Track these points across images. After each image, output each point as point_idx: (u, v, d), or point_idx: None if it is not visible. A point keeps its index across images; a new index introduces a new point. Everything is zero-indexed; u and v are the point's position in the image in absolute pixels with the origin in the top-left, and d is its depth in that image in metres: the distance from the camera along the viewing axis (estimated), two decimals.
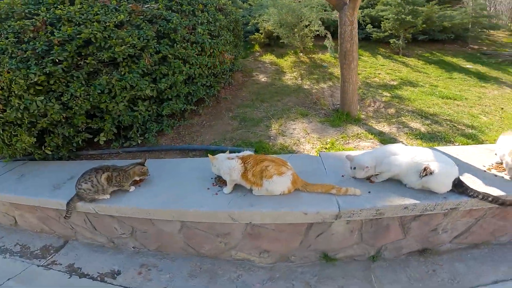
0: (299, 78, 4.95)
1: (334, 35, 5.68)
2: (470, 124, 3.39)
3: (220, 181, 2.01)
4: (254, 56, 6.21)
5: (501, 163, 1.95)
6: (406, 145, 2.43)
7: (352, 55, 3.02)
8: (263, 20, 6.02)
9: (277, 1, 5.31)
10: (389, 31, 6.00)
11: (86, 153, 3.15)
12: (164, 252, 2.17)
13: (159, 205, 1.90)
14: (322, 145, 2.92)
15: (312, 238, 1.87)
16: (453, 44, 6.75)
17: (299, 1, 5.48)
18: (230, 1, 4.72)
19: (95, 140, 2.87)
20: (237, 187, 1.92)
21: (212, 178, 2.07)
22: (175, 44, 3.10)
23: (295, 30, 5.65)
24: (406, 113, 3.65)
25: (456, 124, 3.38)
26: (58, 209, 2.14)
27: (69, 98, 2.53)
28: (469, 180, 1.82)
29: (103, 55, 2.63)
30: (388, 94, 4.29)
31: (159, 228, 2.05)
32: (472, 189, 1.68)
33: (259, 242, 1.94)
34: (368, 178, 1.91)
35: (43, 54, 2.50)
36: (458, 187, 1.70)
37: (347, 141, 2.96)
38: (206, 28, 3.55)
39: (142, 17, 3.07)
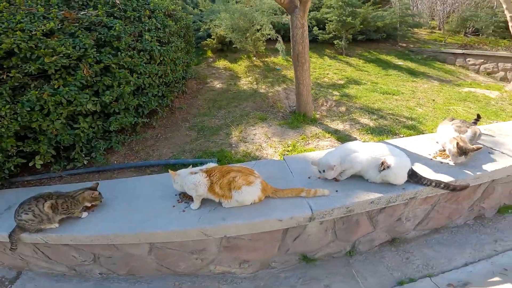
0: (255, 83, 4.92)
1: (285, 38, 5.82)
2: (409, 116, 3.72)
3: (186, 197, 1.83)
4: (207, 62, 6.02)
5: (444, 150, 2.14)
6: (361, 141, 2.54)
7: (304, 57, 3.07)
8: (215, 26, 5.87)
9: (229, 6, 5.22)
10: (333, 33, 6.36)
11: (22, 179, 2.71)
12: (137, 276, 1.93)
13: (120, 229, 1.66)
14: (284, 148, 2.90)
15: (290, 242, 1.82)
16: (386, 43, 7.45)
17: (251, 6, 5.46)
18: (180, 7, 4.49)
19: (30, 164, 2.47)
20: (205, 201, 1.77)
21: (176, 195, 1.88)
22: (119, 53, 2.81)
23: (247, 34, 5.63)
24: (355, 110, 3.86)
25: (398, 117, 3.68)
26: (1, 241, 1.81)
27: None
28: (420, 169, 1.95)
29: (29, 67, 2.25)
30: (338, 93, 4.50)
31: (126, 252, 1.81)
32: (425, 178, 1.80)
33: (237, 253, 1.83)
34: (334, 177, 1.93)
35: None
36: (413, 177, 1.81)
37: (307, 142, 2.99)
38: (155, 34, 3.30)
39: (77, 24, 2.71)
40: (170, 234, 1.64)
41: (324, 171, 1.80)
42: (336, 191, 1.79)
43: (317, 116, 3.70)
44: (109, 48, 2.76)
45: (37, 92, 2.26)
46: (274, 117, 3.67)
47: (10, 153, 2.33)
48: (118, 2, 3.13)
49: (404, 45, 7.41)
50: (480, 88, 4.93)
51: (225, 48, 6.34)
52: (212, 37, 6.18)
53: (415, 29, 8.34)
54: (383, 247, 2.04)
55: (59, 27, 2.59)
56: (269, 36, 5.72)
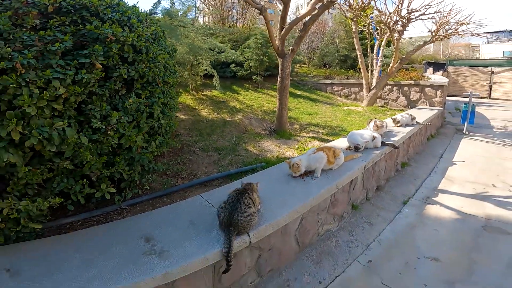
0: (215, 113, 6.20)
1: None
2: (335, 125, 6.31)
3: (302, 176, 3.01)
4: None
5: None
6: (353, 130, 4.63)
7: (287, 88, 4.95)
8: None
9: (183, 40, 6.19)
10: (250, 69, 8.65)
11: (59, 223, 2.51)
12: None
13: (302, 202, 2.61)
14: (295, 150, 4.54)
15: (352, 191, 3.44)
16: None
17: (200, 42, 6.70)
18: None
19: (97, 195, 2.41)
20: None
21: (289, 175, 3.06)
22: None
23: (187, 68, 6.82)
24: (306, 126, 6.07)
25: (331, 127, 6.17)
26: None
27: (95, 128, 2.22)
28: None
29: (130, 71, 2.53)
30: None
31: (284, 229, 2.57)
32: (385, 142, 4.07)
33: (335, 209, 3.15)
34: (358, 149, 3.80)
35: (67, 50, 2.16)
36: (382, 143, 4.04)
37: (306, 144, 4.79)
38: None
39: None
40: (324, 193, 2.79)
41: (362, 147, 3.73)
42: (362, 154, 3.70)
43: (289, 131, 5.58)
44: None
45: (140, 99, 2.58)
46: (264, 135, 5.19)
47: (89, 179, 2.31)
48: None
49: (291, 78, 10.77)
50: (351, 106, 8.58)
51: None
52: None
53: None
54: (376, 192, 4.08)
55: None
56: (205, 71, 7.14)
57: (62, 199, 2.16)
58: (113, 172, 2.55)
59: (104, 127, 2.31)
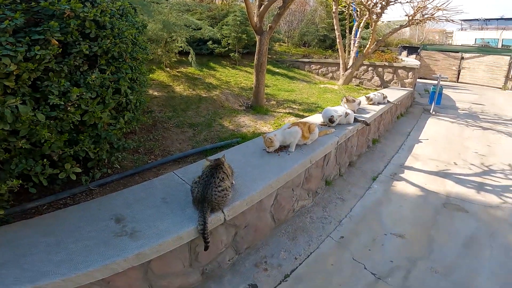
0: (191, 90, 5.96)
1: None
2: (311, 102, 6.31)
3: (277, 150, 2.98)
4: None
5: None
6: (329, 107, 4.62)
7: (265, 65, 4.81)
8: None
9: (156, 17, 5.71)
10: (228, 47, 8.34)
11: (24, 207, 2.37)
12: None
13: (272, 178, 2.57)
14: (272, 125, 4.50)
15: (325, 167, 3.48)
16: None
17: (175, 19, 6.30)
18: None
19: (61, 176, 2.22)
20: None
21: (264, 150, 3.02)
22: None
23: (161, 44, 6.44)
24: (283, 102, 6.01)
25: (307, 103, 6.16)
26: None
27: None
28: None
29: (91, 47, 2.37)
30: None
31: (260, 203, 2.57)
32: (357, 119, 4.12)
33: (309, 185, 3.19)
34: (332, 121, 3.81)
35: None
36: (355, 120, 4.08)
37: (282, 120, 4.74)
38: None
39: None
40: (298, 167, 2.77)
41: (337, 120, 3.74)
42: (335, 129, 3.72)
43: (266, 107, 5.50)
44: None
45: (106, 75, 2.43)
46: (241, 111, 5.09)
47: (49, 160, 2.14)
48: None
49: (270, 56, 10.61)
50: (328, 84, 8.59)
51: None
52: None
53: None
54: (348, 168, 4.17)
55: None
56: (180, 48, 6.79)
57: (21, 181, 1.98)
58: (77, 150, 2.38)
59: (63, 103, 2.15)
